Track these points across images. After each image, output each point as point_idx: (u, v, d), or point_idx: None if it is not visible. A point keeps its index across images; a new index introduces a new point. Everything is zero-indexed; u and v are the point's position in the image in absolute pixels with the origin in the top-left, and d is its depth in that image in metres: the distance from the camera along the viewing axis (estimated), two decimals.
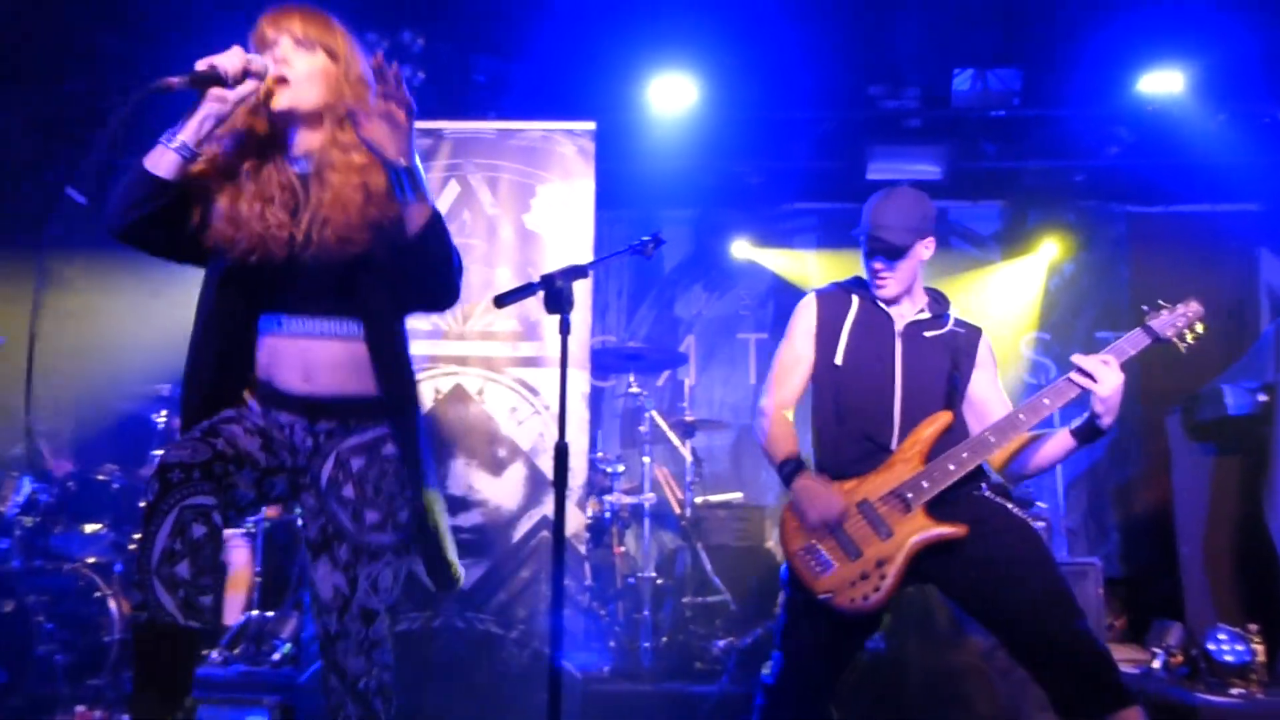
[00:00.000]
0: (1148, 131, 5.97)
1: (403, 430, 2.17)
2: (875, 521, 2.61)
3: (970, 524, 2.57)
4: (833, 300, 2.88)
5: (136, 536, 1.93)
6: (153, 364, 5.10)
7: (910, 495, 2.60)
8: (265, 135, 2.14)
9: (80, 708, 4.07)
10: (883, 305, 2.82)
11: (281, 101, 2.07)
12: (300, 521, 2.20)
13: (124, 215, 2.01)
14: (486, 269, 4.22)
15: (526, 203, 4.25)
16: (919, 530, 2.58)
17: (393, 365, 2.15)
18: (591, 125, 4.33)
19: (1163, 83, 5.51)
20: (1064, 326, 6.88)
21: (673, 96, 5.77)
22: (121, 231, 2.03)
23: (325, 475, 2.13)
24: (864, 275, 2.86)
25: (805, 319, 2.88)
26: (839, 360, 2.77)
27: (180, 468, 1.91)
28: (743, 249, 7.05)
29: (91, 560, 4.57)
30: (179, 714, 1.93)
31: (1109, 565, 5.89)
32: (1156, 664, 4.34)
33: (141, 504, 1.93)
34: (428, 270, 2.10)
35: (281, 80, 2.06)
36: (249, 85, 2.00)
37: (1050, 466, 2.76)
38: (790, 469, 2.76)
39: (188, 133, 1.99)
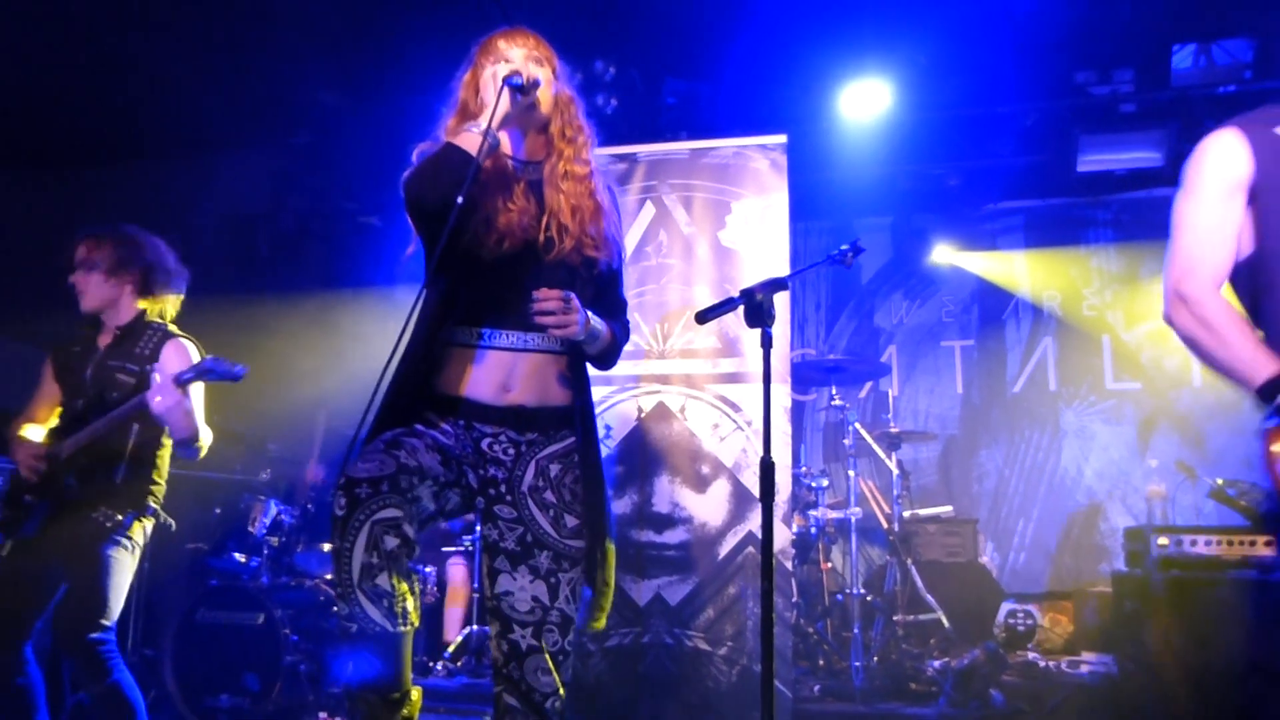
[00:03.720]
0: None
1: (591, 441, 2.26)
2: None
3: None
4: (1268, 130, 1.92)
5: (334, 548, 2.00)
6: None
7: None
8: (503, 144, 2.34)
9: (323, 714, 4.36)
10: None
11: (533, 107, 2.27)
12: (491, 537, 2.23)
13: (443, 190, 2.08)
14: (684, 288, 4.25)
15: (721, 219, 4.26)
16: None
17: (585, 377, 2.30)
18: (783, 138, 4.29)
19: None
20: None
21: (865, 102, 5.66)
22: (437, 206, 2.09)
23: (527, 482, 2.20)
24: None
25: (1227, 163, 1.92)
26: None
27: (368, 483, 1.98)
28: (944, 253, 6.81)
29: (329, 576, 4.91)
30: (406, 705, 2.02)
31: None
32: None
33: (331, 518, 2.01)
34: (594, 361, 2.37)
35: (536, 86, 2.25)
36: (533, 95, 2.23)
37: None
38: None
39: (488, 123, 2.16)
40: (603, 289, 2.36)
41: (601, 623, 2.25)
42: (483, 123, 2.15)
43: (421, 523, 2.08)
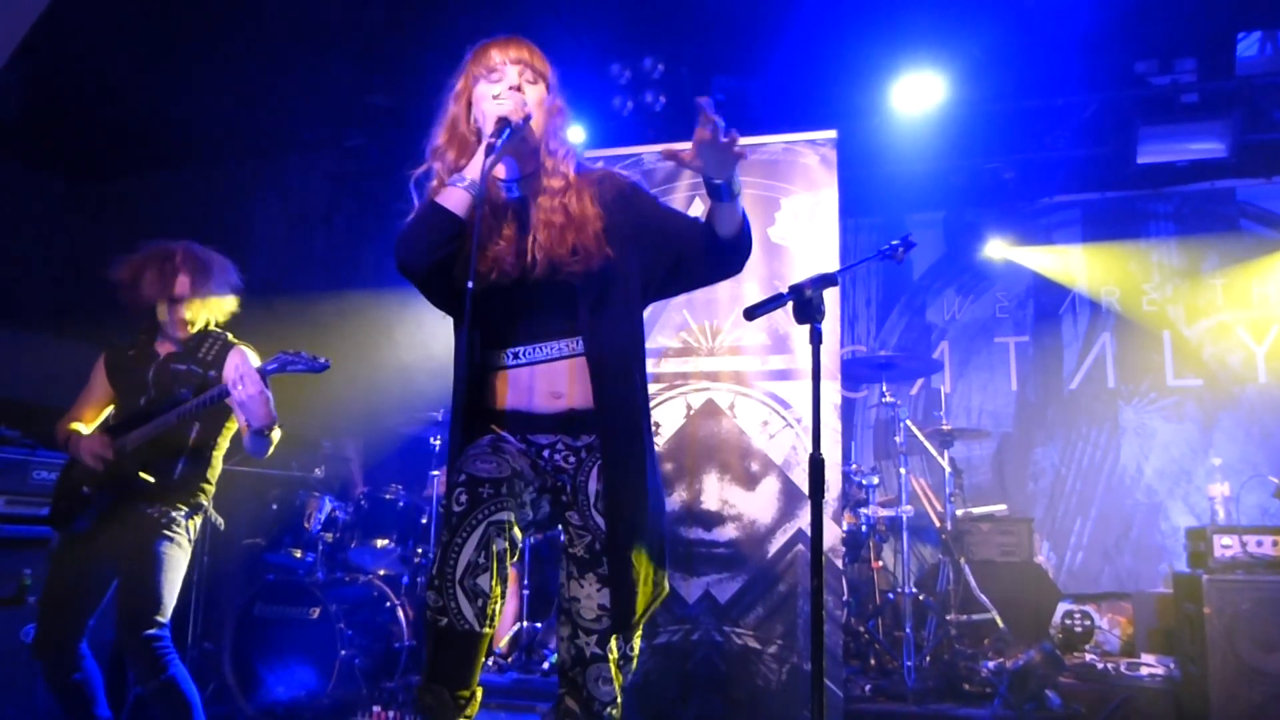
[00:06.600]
0: None
1: (633, 445, 2.18)
2: None
3: None
4: None
5: (443, 540, 2.02)
6: (428, 390, 5.50)
7: None
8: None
9: (376, 708, 4.42)
10: None
11: (525, 139, 2.18)
12: (564, 542, 2.24)
13: (429, 254, 2.11)
14: (734, 284, 4.23)
15: (771, 216, 4.24)
16: None
17: (609, 379, 2.16)
18: (833, 134, 4.25)
19: None
20: None
21: (918, 96, 5.58)
22: (424, 271, 2.12)
23: (592, 488, 2.18)
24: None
25: None
26: None
27: (491, 483, 2.00)
28: (998, 248, 6.70)
29: (383, 572, 4.97)
30: (471, 705, 2.04)
31: None
32: None
33: (444, 511, 2.02)
34: (729, 258, 2.24)
35: (528, 122, 2.17)
36: (525, 130, 2.15)
37: None
38: None
39: (475, 173, 2.12)
40: (667, 255, 2.24)
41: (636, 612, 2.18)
42: (470, 175, 2.11)
43: (523, 530, 2.09)
